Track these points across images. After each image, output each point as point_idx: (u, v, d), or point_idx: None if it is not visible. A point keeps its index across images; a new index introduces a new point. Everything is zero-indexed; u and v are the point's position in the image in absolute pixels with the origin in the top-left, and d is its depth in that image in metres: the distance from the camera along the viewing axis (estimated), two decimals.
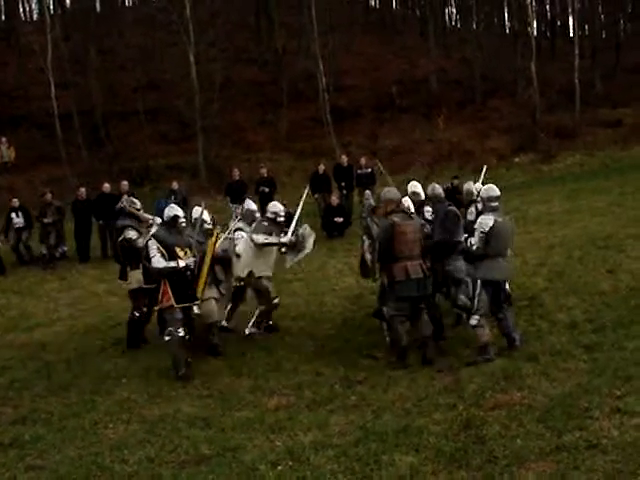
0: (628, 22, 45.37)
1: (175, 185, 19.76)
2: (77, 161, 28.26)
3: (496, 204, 8.52)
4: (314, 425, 6.68)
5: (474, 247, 8.40)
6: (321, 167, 20.53)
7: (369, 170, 20.04)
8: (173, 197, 19.00)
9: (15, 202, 18.59)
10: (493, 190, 8.61)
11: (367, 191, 18.74)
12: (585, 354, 7.84)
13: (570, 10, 41.55)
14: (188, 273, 8.61)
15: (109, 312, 12.83)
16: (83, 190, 18.92)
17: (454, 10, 51.54)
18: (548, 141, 29.35)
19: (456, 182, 19.10)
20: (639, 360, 7.38)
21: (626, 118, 30.99)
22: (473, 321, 8.25)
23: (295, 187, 25.68)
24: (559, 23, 45.47)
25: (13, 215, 18.31)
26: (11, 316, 13.16)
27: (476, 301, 8.28)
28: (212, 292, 9.56)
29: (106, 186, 18.94)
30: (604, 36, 42.53)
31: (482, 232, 8.33)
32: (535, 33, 36.41)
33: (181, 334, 8.50)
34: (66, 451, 6.62)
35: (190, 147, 28.96)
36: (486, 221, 8.37)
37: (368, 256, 9.18)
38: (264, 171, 20.67)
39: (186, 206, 19.37)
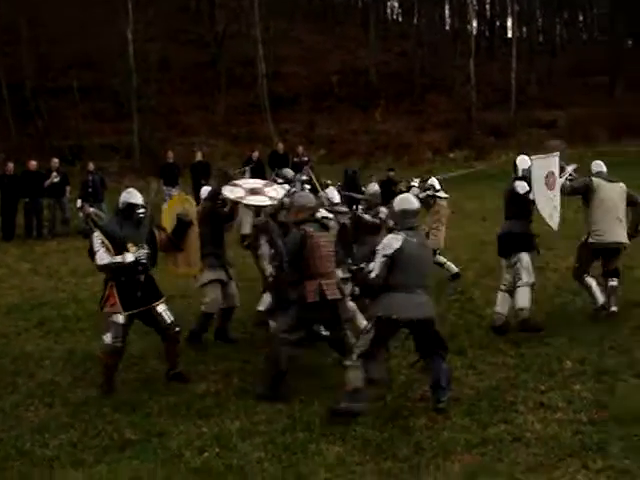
0: (564, 27, 46.43)
1: (91, 166, 19.19)
2: (4, 135, 27.47)
3: (413, 221, 6.76)
4: (242, 412, 6.60)
5: (372, 275, 6.56)
6: (255, 154, 20.41)
7: (306, 158, 20.01)
8: (90, 178, 18.55)
9: None
10: (409, 202, 6.84)
11: (298, 175, 18.91)
12: (512, 349, 7.97)
13: (509, 12, 42.27)
14: (140, 268, 7.24)
15: (33, 292, 12.49)
16: (11, 165, 18.38)
17: (396, 4, 51.86)
18: (483, 138, 29.86)
19: (391, 174, 19.24)
20: (562, 356, 7.57)
21: (559, 120, 31.74)
22: (347, 361, 6.59)
23: None
24: (498, 24, 46.19)
25: None
26: None
27: (360, 337, 6.69)
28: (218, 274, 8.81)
29: (32, 163, 18.49)
30: (541, 39, 43.39)
31: (385, 255, 6.51)
32: (475, 32, 36.88)
33: (118, 345, 7.23)
34: None
35: (124, 127, 28.48)
36: (390, 242, 6.56)
37: (267, 266, 8.33)
38: (199, 155, 20.47)
39: (104, 188, 18.91)
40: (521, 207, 8.75)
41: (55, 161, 18.71)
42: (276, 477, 5.31)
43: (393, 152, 29.14)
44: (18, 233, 17.99)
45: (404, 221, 6.71)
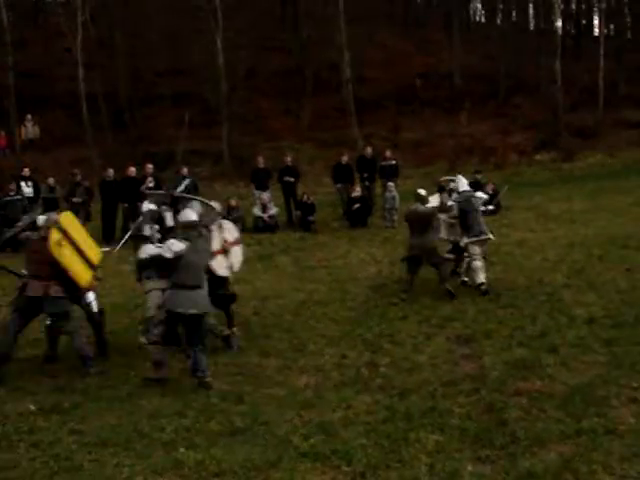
0: None
1: (185, 171, 19.73)
2: (101, 143, 28.54)
3: (193, 232, 8.16)
4: (342, 404, 6.98)
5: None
6: (344, 158, 20.64)
7: (393, 162, 20.22)
8: (184, 182, 19.06)
9: (26, 171, 19.00)
10: (190, 214, 8.34)
11: (390, 183, 19.20)
12: (604, 348, 8.11)
13: (596, 9, 41.57)
14: None
15: (134, 291, 13.06)
16: (111, 171, 19.19)
17: (479, 5, 51.54)
18: (570, 140, 29.48)
19: (478, 177, 19.43)
20: None
21: None
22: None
23: (316, 176, 26.00)
24: (584, 22, 45.40)
25: (22, 184, 18.51)
26: None
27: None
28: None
29: (132, 170, 19.14)
30: (629, 37, 42.44)
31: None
32: (560, 31, 36.37)
33: None
34: (106, 418, 6.94)
35: (213, 133, 29.21)
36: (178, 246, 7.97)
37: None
38: (288, 160, 20.83)
39: (196, 192, 19.30)
40: None
41: (149, 166, 19.32)
42: (379, 461, 5.66)
43: (478, 155, 29.07)
44: (117, 236, 18.77)
45: (186, 232, 8.18)
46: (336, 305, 11.12)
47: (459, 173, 13.65)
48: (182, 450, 6.09)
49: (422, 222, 11.45)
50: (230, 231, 9.88)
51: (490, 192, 19.10)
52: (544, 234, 15.81)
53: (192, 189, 19.17)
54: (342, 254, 15.41)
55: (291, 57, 35.40)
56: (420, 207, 11.60)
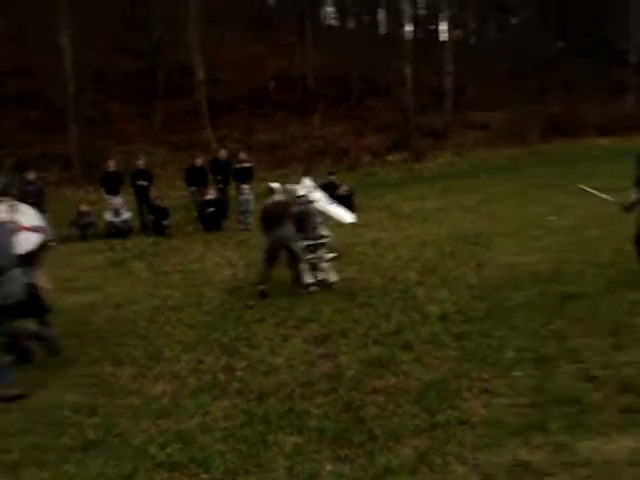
0: (497, 30, 47.58)
1: (32, 175, 19.02)
2: None
3: None
4: (200, 410, 6.82)
5: None
6: (198, 160, 20.48)
7: (247, 164, 20.17)
8: (30, 187, 18.31)
9: None
10: None
11: (244, 185, 19.15)
12: (456, 342, 8.31)
13: (442, 16, 43.14)
14: None
15: None
16: None
17: (329, 9, 52.33)
18: (420, 141, 30.47)
19: (332, 178, 19.70)
20: (503, 347, 7.94)
21: (493, 122, 32.56)
22: None
23: (170, 180, 25.61)
24: (432, 27, 47.02)
25: None
26: None
27: None
28: None
29: None
30: (474, 42, 44.33)
31: None
32: (409, 36, 37.49)
33: None
34: None
35: (61, 136, 28.21)
36: None
37: None
38: (141, 163, 20.41)
39: (42, 198, 18.47)
40: None
41: None
42: (238, 467, 5.57)
43: (332, 156, 29.51)
44: None
45: None
46: (192, 310, 10.93)
47: (308, 175, 13.88)
48: (31, 470, 5.77)
49: (278, 214, 11.47)
50: (29, 217, 9.46)
51: (344, 193, 19.41)
52: (397, 233, 16.20)
53: (37, 195, 18.37)
54: (197, 258, 15.26)
55: (142, 59, 34.71)
56: (274, 199, 11.74)
